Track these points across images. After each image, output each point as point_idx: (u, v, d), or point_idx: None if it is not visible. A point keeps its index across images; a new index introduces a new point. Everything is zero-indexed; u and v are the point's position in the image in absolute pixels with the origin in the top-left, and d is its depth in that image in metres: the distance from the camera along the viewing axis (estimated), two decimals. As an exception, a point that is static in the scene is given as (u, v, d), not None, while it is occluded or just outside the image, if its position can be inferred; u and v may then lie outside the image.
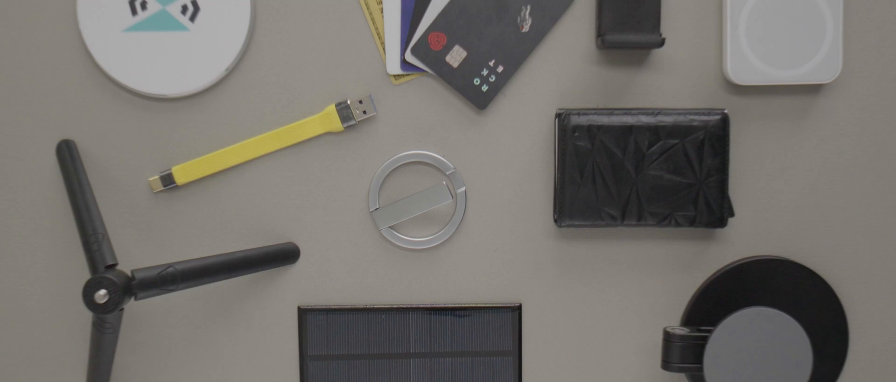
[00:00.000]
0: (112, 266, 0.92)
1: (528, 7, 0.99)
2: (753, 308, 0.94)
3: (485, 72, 0.99)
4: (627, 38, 0.97)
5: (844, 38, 0.99)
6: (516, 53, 0.99)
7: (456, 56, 0.99)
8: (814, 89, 1.00)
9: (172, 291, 0.93)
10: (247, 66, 1.01)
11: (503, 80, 1.00)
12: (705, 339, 0.94)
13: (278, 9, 1.00)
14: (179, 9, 0.98)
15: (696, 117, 0.97)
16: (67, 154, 0.99)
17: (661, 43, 0.96)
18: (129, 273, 0.90)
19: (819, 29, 0.97)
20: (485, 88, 1.00)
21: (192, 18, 0.98)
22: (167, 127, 1.01)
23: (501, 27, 0.99)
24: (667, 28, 1.00)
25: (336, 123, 1.00)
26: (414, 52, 0.99)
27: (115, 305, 0.87)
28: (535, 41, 0.99)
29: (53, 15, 1.00)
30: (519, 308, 1.03)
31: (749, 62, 0.97)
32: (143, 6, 0.98)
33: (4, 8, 1.00)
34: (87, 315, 1.03)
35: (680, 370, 0.96)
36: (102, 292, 0.87)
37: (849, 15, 0.99)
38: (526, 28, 0.99)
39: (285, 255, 1.02)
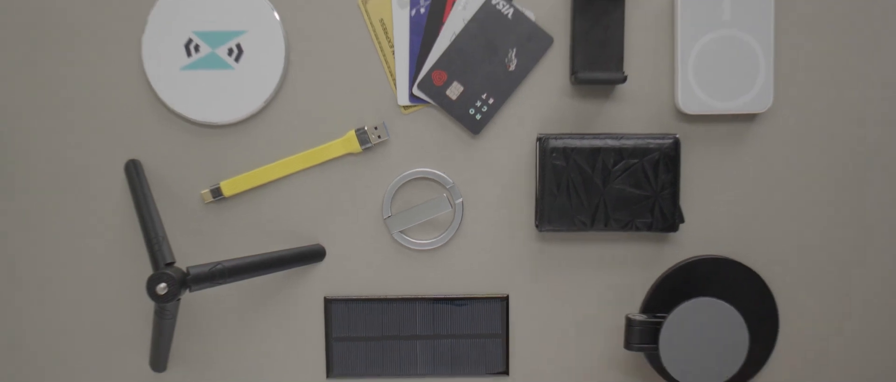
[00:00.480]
0: (170, 264, 0.92)
1: (514, 50, 0.99)
2: (700, 299, 0.94)
3: (478, 103, 1.00)
4: (596, 76, 0.97)
5: (775, 75, 1.00)
6: (504, 87, 1.00)
7: (454, 90, 0.99)
8: (750, 118, 1.00)
9: (220, 284, 0.93)
10: (282, 99, 1.01)
11: (493, 110, 1.00)
12: (660, 324, 0.95)
13: (307, 52, 1.00)
14: (226, 51, 0.98)
15: (653, 141, 0.97)
16: (134, 171, 0.99)
17: (624, 79, 0.96)
18: (184, 270, 0.90)
19: (754, 68, 0.97)
20: (478, 116, 1.00)
21: (237, 59, 0.99)
22: (216, 149, 1.01)
23: (492, 66, 0.99)
24: (629, 67, 1.00)
25: (355, 146, 1.00)
26: (420, 87, 0.99)
27: (173, 296, 0.88)
28: (520, 78, 0.99)
29: (122, 57, 1.00)
30: (506, 299, 1.02)
31: (696, 95, 0.98)
32: (197, 49, 0.99)
33: (82, 52, 1.00)
34: (151, 304, 1.03)
35: (639, 349, 0.96)
36: (163, 285, 0.87)
37: (779, 56, 1.00)
38: (512, 67, 0.99)
39: (313, 254, 1.01)
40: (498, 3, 0.98)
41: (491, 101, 1.00)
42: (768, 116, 1.01)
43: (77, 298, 1.04)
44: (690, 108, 0.98)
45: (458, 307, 1.03)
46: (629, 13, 1.00)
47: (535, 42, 0.99)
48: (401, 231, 1.02)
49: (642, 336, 0.96)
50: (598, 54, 0.99)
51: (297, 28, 1.01)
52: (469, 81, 1.00)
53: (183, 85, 0.99)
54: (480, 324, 1.03)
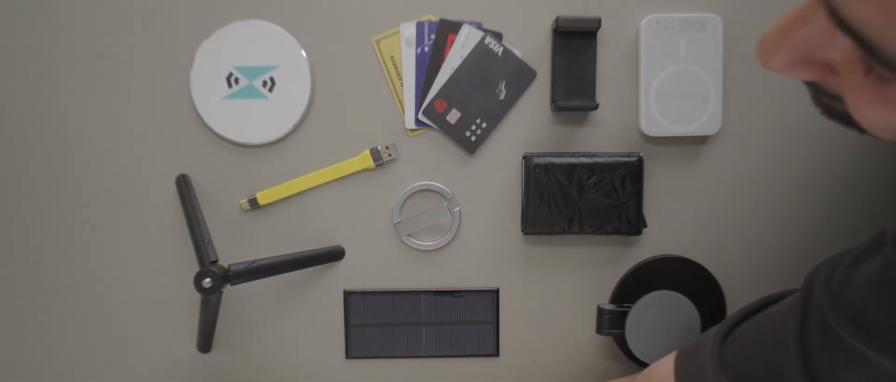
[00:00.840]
0: (214, 262, 0.95)
1: (504, 82, 1.01)
2: (660, 291, 0.97)
3: (473, 127, 1.02)
4: (572, 104, 1.00)
5: (723, 103, 1.01)
6: (495, 114, 1.02)
7: (453, 116, 1.02)
8: (702, 139, 1.03)
9: (256, 279, 0.95)
10: (308, 123, 1.03)
11: (486, 133, 1.02)
12: (627, 312, 0.97)
13: (329, 83, 1.03)
14: (261, 83, 1.01)
15: (620, 159, 1.00)
16: (183, 184, 1.02)
17: (596, 107, 0.99)
18: (226, 267, 0.93)
19: (705, 97, 1.00)
20: (473, 138, 1.02)
21: (271, 90, 1.01)
22: (253, 165, 1.04)
23: (485, 96, 1.02)
24: (600, 96, 1.02)
25: (370, 163, 1.03)
26: (424, 113, 1.02)
27: (216, 289, 0.90)
28: (509, 106, 1.02)
29: (174, 88, 1.03)
30: (497, 291, 1.05)
31: (657, 120, 1.00)
32: (236, 81, 1.01)
33: (141, 85, 1.02)
34: (197, 296, 1.04)
35: (608, 333, 0.99)
36: (208, 279, 0.90)
37: (726, 87, 1.02)
38: (502, 96, 1.02)
39: (334, 254, 1.04)
40: (490, 43, 1.01)
41: (484, 125, 1.02)
42: (717, 137, 1.03)
43: (136, 291, 1.06)
44: (652, 131, 1.01)
45: (456, 299, 1.05)
46: (600, 51, 1.02)
47: (521, 75, 1.02)
48: (408, 235, 1.04)
49: (611, 322, 0.98)
50: (574, 86, 1.01)
51: (321, 64, 1.03)
52: (465, 108, 1.02)
53: (225, 112, 1.02)
54: (475, 313, 1.05)
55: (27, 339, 1.07)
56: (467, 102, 1.03)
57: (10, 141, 1.03)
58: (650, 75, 1.00)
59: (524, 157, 1.02)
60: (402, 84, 1.03)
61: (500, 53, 1.02)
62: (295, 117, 1.03)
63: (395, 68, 1.03)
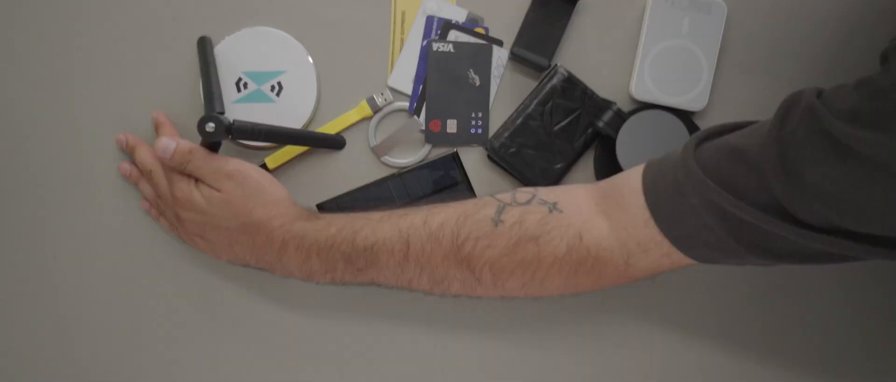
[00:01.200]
0: (220, 113, 0.95)
1: (471, 70, 1.04)
2: (661, 111, 1.00)
3: (473, 122, 1.04)
4: (527, 55, 1.02)
5: (713, 83, 1.02)
6: (482, 99, 1.04)
7: (452, 126, 1.04)
8: (687, 114, 1.02)
9: (257, 140, 0.97)
10: (314, 126, 1.04)
11: (485, 119, 1.04)
12: (627, 118, 0.99)
13: (334, 88, 1.04)
14: (269, 88, 1.02)
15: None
16: (204, 45, 1.02)
17: (547, 66, 1.02)
18: (231, 120, 0.93)
19: (697, 74, 1.02)
20: (480, 131, 1.04)
21: (278, 94, 1.02)
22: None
23: (463, 90, 1.04)
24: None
25: (368, 112, 1.04)
26: (428, 140, 1.04)
27: (217, 135, 0.92)
28: (487, 85, 1.04)
29: (185, 93, 1.04)
30: (456, 153, 1.04)
31: (647, 86, 1.02)
32: (245, 86, 1.02)
33: (157, 91, 1.04)
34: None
35: (603, 127, 1.00)
36: (211, 124, 0.92)
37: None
38: (477, 83, 1.04)
39: (336, 143, 1.04)
40: (439, 47, 1.04)
41: (480, 114, 1.04)
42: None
43: (152, 280, 1.06)
44: (640, 95, 1.02)
45: (422, 172, 1.04)
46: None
47: (482, 54, 1.04)
48: (386, 156, 1.05)
49: (612, 120, 1.00)
50: (536, 42, 1.03)
51: (326, 70, 1.04)
52: (456, 112, 1.04)
53: (234, 115, 1.01)
54: (444, 180, 1.05)
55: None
56: (453, 106, 1.04)
57: (24, 141, 1.05)
58: (650, 43, 1.02)
59: (488, 141, 1.04)
60: (401, 47, 1.05)
61: (452, 50, 1.04)
62: (301, 120, 1.03)
63: (402, 27, 1.05)
